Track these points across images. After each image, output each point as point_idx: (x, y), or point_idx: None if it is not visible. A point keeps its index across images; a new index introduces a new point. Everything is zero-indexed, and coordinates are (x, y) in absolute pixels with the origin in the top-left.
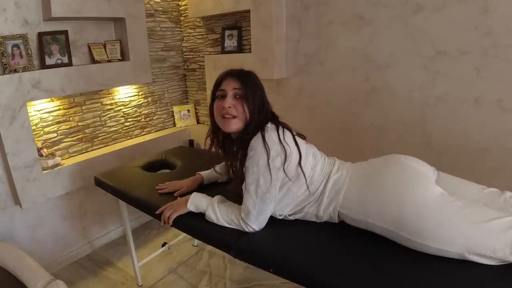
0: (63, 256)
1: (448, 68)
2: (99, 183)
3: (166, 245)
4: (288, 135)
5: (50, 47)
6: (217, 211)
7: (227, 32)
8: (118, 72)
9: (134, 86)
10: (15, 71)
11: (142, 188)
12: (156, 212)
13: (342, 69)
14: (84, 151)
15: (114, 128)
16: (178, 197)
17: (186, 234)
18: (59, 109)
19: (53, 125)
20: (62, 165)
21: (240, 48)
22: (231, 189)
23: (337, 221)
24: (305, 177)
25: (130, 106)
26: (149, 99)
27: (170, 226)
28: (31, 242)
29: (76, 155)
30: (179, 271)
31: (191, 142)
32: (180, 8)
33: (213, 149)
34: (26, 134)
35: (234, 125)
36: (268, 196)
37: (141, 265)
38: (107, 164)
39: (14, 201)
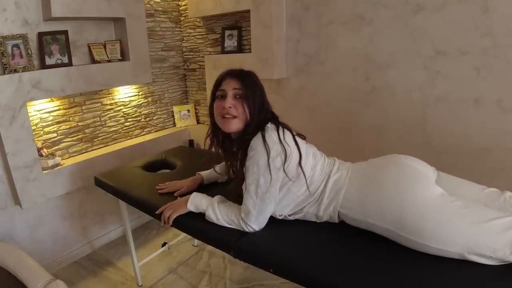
0: (63, 256)
1: (448, 68)
2: (99, 183)
3: (166, 245)
4: (288, 135)
5: (50, 47)
6: (217, 211)
7: (227, 32)
8: (118, 72)
9: (134, 86)
10: (15, 71)
11: (142, 188)
12: (156, 212)
13: (342, 69)
14: (84, 151)
15: (114, 128)
16: (178, 197)
17: (186, 234)
18: (59, 109)
19: (53, 125)
20: (62, 165)
21: (240, 48)
22: (231, 189)
23: (337, 221)
24: (305, 177)
25: (130, 106)
26: (149, 99)
27: (170, 226)
28: (31, 242)
29: (76, 155)
30: (179, 271)
31: (191, 142)
32: (180, 8)
33: (213, 149)
34: (26, 134)
35: (234, 125)
36: (268, 196)
37: (141, 265)
38: (107, 164)
39: (14, 201)
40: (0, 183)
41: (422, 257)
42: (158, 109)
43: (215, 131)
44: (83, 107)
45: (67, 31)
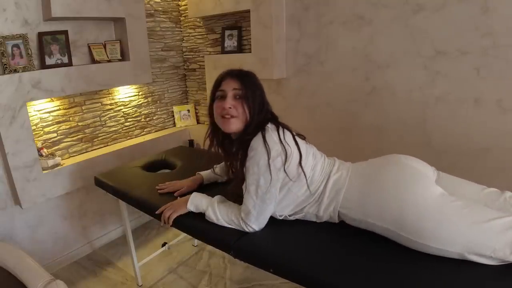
0: (63, 256)
1: (448, 68)
2: (99, 183)
3: (166, 245)
4: (288, 135)
5: (50, 47)
6: (217, 211)
7: (227, 32)
8: (118, 72)
9: (134, 86)
10: (15, 71)
11: (142, 188)
12: (156, 212)
13: (342, 69)
14: (84, 151)
15: (114, 128)
16: (178, 197)
17: (186, 234)
18: (59, 109)
19: (53, 125)
20: (62, 165)
21: (240, 48)
22: (231, 189)
23: (337, 221)
24: (305, 177)
25: (130, 106)
26: (149, 99)
27: (170, 226)
28: (31, 242)
29: (76, 155)
30: (179, 271)
31: (191, 142)
32: (180, 8)
33: (213, 150)
34: (26, 134)
35: (234, 126)
36: (268, 196)
37: (141, 265)
38: (107, 164)
39: (14, 201)
40: (0, 183)
41: (422, 257)
42: (158, 109)
43: (215, 131)
44: (83, 107)
45: (67, 31)
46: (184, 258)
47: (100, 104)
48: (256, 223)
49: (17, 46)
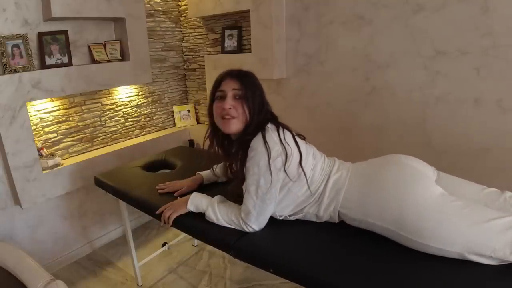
0: (63, 256)
1: (448, 68)
2: (99, 183)
3: (166, 245)
4: (288, 136)
5: (50, 47)
6: (217, 211)
7: (227, 32)
8: (118, 72)
9: (134, 86)
10: (15, 71)
11: (142, 188)
12: (156, 212)
13: (342, 69)
14: (84, 151)
15: (114, 128)
16: (178, 197)
17: (186, 234)
18: (59, 109)
19: (53, 125)
20: (62, 165)
21: (240, 48)
22: (231, 189)
23: (337, 221)
24: (306, 177)
25: (130, 106)
26: (149, 99)
27: (170, 226)
28: (31, 242)
29: (76, 155)
30: (179, 271)
31: (191, 142)
32: (180, 8)
33: (212, 150)
34: (26, 134)
35: (234, 126)
36: (268, 197)
37: (141, 265)
38: (107, 164)
39: (14, 201)
40: (0, 183)
41: (422, 257)
42: (158, 109)
43: (215, 131)
44: (83, 107)
45: (67, 31)
46: (184, 258)
47: (100, 104)
48: (256, 223)
49: (17, 46)
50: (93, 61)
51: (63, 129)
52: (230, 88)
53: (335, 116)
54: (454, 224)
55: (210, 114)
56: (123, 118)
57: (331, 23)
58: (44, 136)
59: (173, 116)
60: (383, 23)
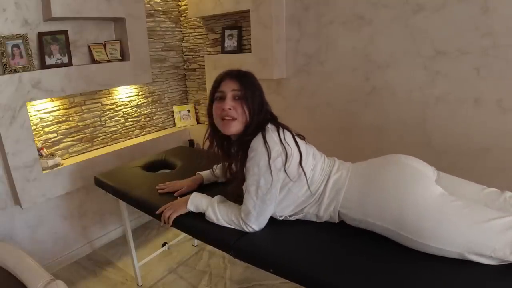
0: (63, 256)
1: (448, 68)
2: (99, 183)
3: (166, 245)
4: (288, 136)
5: (50, 47)
6: (217, 211)
7: (227, 32)
8: (118, 72)
9: (134, 86)
10: (15, 71)
11: (142, 188)
12: (156, 212)
13: (342, 69)
14: (84, 151)
15: (114, 128)
16: (178, 197)
17: (186, 234)
18: (59, 109)
19: (53, 125)
20: (62, 165)
21: (240, 48)
22: (231, 190)
23: (337, 221)
24: (306, 177)
25: (130, 106)
26: (149, 99)
27: (170, 226)
28: (31, 242)
29: (76, 155)
30: (179, 271)
31: (191, 142)
32: (180, 8)
33: (212, 150)
34: (26, 134)
35: (234, 127)
36: (268, 197)
37: (141, 265)
38: (107, 164)
39: (14, 201)
40: (0, 183)
41: (422, 257)
42: (158, 109)
43: (214, 132)
44: (83, 107)
45: (67, 31)
46: (184, 258)
47: (100, 104)
48: (256, 224)
49: (17, 46)
50: (93, 61)
51: (63, 129)
52: (230, 88)
53: (335, 116)
54: (454, 224)
55: (210, 114)
56: (123, 118)
57: (331, 23)
58: (44, 136)
59: (173, 116)
60: (383, 23)
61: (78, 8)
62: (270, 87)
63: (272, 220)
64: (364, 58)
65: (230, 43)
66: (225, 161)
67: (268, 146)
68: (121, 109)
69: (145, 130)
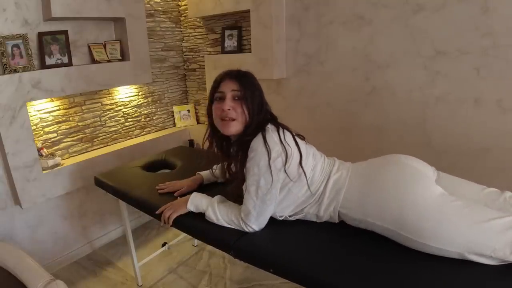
0: (63, 256)
1: (448, 68)
2: (99, 183)
3: (166, 245)
4: (288, 136)
5: (50, 47)
6: (217, 211)
7: (227, 32)
8: (118, 72)
9: (134, 86)
10: (15, 71)
11: (142, 188)
12: (156, 212)
13: (342, 69)
14: (84, 151)
15: (114, 128)
16: (178, 197)
17: (186, 234)
18: (59, 109)
19: (53, 125)
20: (62, 165)
21: (240, 48)
22: (231, 190)
23: (337, 221)
24: (306, 177)
25: (130, 106)
26: (149, 99)
27: (170, 226)
28: (31, 242)
29: (76, 155)
30: (179, 271)
31: (191, 142)
32: (180, 8)
33: (212, 150)
34: (26, 134)
35: (234, 128)
36: (268, 197)
37: (141, 265)
38: (107, 164)
39: (14, 201)
40: (0, 183)
41: (422, 257)
42: (158, 109)
43: (214, 132)
44: (83, 107)
45: (67, 31)
46: (184, 258)
47: (100, 104)
48: (256, 224)
49: (17, 46)
50: (93, 61)
51: (63, 129)
52: (229, 89)
53: (335, 116)
54: (454, 224)
55: (209, 114)
56: (123, 118)
57: (331, 23)
58: (44, 136)
59: (173, 116)
60: (383, 23)
61: (78, 8)
62: (270, 87)
63: (272, 220)
64: (364, 58)
65: (230, 43)
66: (224, 161)
67: (268, 146)
68: (121, 109)
69: (145, 130)
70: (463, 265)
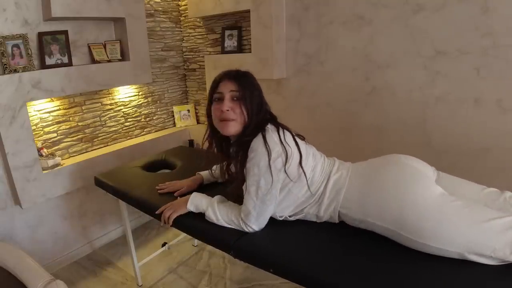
0: (63, 256)
1: (448, 68)
2: (99, 183)
3: (166, 245)
4: (288, 136)
5: (50, 47)
6: (217, 211)
7: (227, 32)
8: (118, 72)
9: (134, 86)
10: (15, 71)
11: (142, 188)
12: (156, 212)
13: (342, 69)
14: (84, 151)
15: (114, 128)
16: (178, 197)
17: (186, 234)
18: (59, 109)
19: (53, 125)
20: (62, 165)
21: (240, 48)
22: (232, 190)
23: (337, 221)
24: (306, 177)
25: (130, 106)
26: (149, 99)
27: (170, 226)
28: (31, 242)
29: (76, 155)
30: (179, 271)
31: (191, 142)
32: (180, 8)
33: (212, 150)
34: (26, 134)
35: (233, 128)
36: (268, 197)
37: (141, 265)
38: (107, 164)
39: (14, 201)
40: (0, 183)
41: (422, 257)
42: (158, 109)
43: (213, 133)
44: (83, 107)
45: (67, 31)
46: (184, 258)
47: (100, 104)
48: (256, 224)
49: (17, 46)
50: (93, 61)
51: (63, 129)
52: (228, 89)
53: (335, 116)
54: (454, 224)
55: (209, 115)
56: (123, 118)
57: (331, 23)
58: (44, 136)
59: (173, 116)
60: (383, 23)
61: (78, 8)
62: (270, 87)
63: (272, 220)
64: (364, 58)
65: (230, 43)
66: (224, 161)
67: (268, 146)
68: (121, 109)
69: (145, 130)
70: (463, 265)
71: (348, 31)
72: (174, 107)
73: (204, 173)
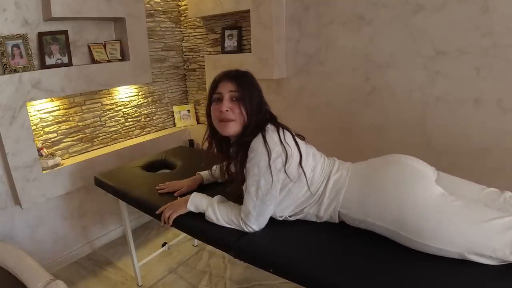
0: (63, 256)
1: (448, 68)
2: (99, 183)
3: (166, 245)
4: (288, 136)
5: (50, 47)
6: (217, 211)
7: (227, 32)
8: (118, 72)
9: (134, 86)
10: (15, 71)
11: (142, 188)
12: (156, 212)
13: (342, 69)
14: (84, 151)
15: (114, 128)
16: (178, 197)
17: (186, 234)
18: (59, 109)
19: (53, 125)
20: (62, 165)
21: (240, 48)
22: (232, 190)
23: (337, 221)
24: (306, 177)
25: (130, 106)
26: (149, 99)
27: (170, 226)
28: (31, 242)
29: (76, 155)
30: (179, 271)
31: (191, 142)
32: (180, 8)
33: (212, 150)
34: (26, 134)
35: (232, 129)
36: (268, 197)
37: (141, 265)
38: (107, 164)
39: (14, 201)
40: (0, 183)
41: (422, 257)
42: (158, 109)
43: (213, 133)
44: (83, 107)
45: (67, 31)
46: (184, 258)
47: (100, 104)
48: (256, 224)
49: (17, 46)
50: (93, 61)
51: (63, 129)
52: (227, 90)
53: (335, 116)
54: (454, 224)
55: (209, 115)
56: (123, 118)
57: (331, 23)
58: (44, 136)
59: (173, 116)
60: (383, 23)
61: (78, 8)
62: (270, 87)
63: (272, 220)
64: (364, 58)
65: (230, 43)
66: (224, 161)
67: (268, 146)
68: (121, 109)
69: (145, 130)
70: (463, 265)
71: (348, 31)
72: (174, 107)
73: (204, 173)
